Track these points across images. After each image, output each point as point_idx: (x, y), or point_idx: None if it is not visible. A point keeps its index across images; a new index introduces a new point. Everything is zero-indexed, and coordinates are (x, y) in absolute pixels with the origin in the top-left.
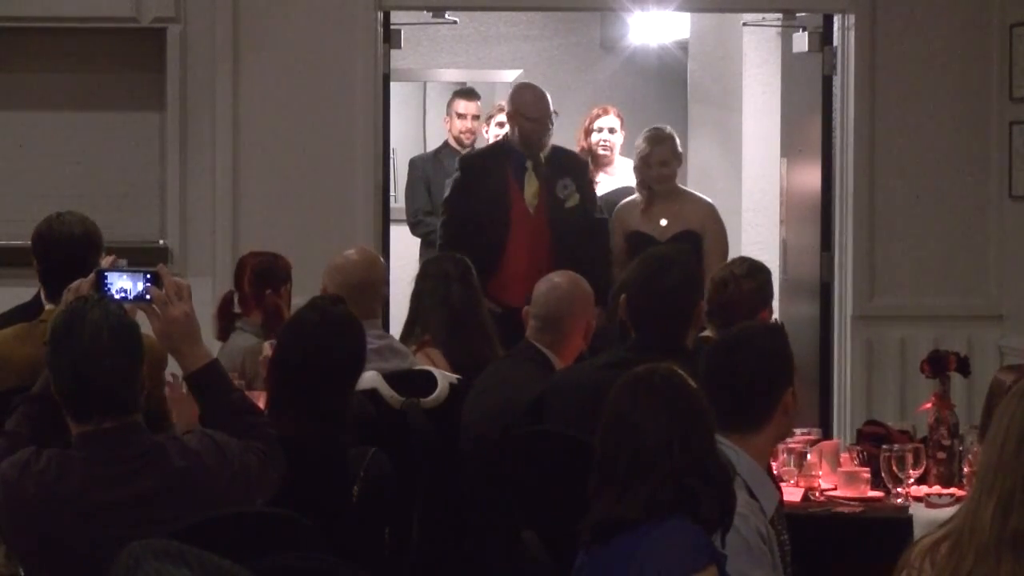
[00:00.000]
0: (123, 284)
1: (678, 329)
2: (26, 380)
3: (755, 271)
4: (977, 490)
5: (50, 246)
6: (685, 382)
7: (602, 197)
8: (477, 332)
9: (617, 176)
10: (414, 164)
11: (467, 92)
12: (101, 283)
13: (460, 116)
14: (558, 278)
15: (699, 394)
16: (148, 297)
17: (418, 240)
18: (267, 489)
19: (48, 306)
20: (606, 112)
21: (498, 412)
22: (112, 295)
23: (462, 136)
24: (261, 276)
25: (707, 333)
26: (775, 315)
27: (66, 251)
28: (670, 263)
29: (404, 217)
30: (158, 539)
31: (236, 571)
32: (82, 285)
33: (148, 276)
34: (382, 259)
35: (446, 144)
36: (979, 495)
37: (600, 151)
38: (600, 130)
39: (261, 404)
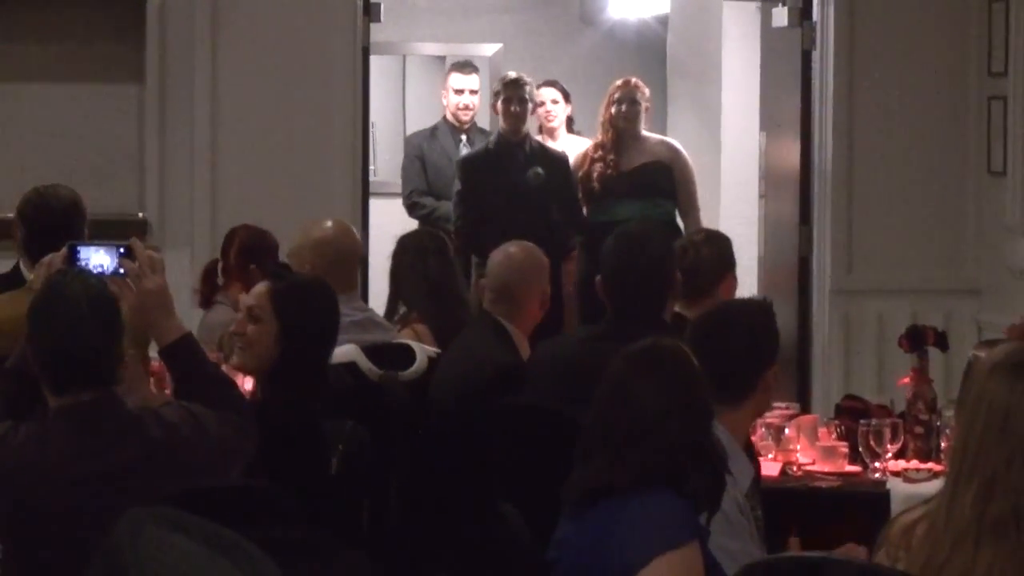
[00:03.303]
0: (96, 257)
1: (656, 302)
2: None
3: (714, 237)
4: (954, 473)
5: (40, 212)
6: (689, 359)
7: (633, 171)
8: (456, 303)
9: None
10: (409, 142)
11: (463, 65)
12: (73, 256)
13: (457, 92)
14: (513, 248)
15: (701, 373)
16: (122, 271)
17: (399, 213)
18: (241, 460)
19: (30, 275)
20: (626, 85)
21: (461, 382)
22: (85, 268)
23: (459, 113)
24: (248, 250)
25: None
26: (755, 291)
27: (56, 218)
28: (646, 238)
29: (384, 191)
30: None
31: (234, 538)
32: (54, 259)
33: (121, 249)
34: (358, 232)
35: (444, 121)
36: (957, 479)
37: (622, 123)
38: (620, 102)
39: (237, 380)
